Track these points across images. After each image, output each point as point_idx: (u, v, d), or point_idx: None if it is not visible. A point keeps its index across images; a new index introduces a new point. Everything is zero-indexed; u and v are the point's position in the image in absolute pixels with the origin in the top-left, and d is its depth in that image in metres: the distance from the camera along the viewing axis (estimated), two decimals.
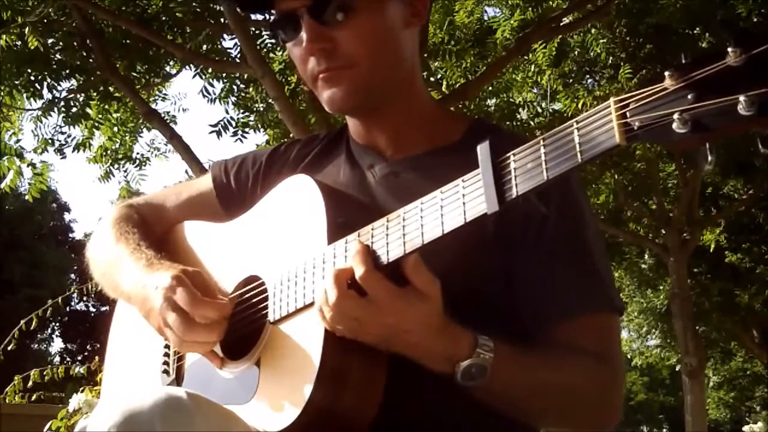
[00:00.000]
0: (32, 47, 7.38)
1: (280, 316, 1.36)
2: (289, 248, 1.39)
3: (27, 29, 7.29)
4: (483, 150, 1.10)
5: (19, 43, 7.52)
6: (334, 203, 1.36)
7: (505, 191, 1.06)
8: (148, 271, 1.48)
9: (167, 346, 1.59)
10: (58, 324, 27.79)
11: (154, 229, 1.70)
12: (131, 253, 1.56)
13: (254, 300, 1.44)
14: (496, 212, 1.07)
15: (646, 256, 15.30)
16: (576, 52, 10.39)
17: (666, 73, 0.86)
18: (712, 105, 0.82)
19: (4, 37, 7.29)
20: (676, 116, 0.85)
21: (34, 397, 4.11)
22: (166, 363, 1.59)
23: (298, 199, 1.42)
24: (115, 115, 8.95)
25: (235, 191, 1.68)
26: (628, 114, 0.91)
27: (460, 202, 1.13)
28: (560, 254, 1.37)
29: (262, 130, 9.18)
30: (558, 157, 1.00)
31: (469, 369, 1.22)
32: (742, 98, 0.80)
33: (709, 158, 0.85)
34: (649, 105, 0.89)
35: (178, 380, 1.56)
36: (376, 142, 1.55)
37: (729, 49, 0.81)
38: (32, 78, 7.63)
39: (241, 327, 1.43)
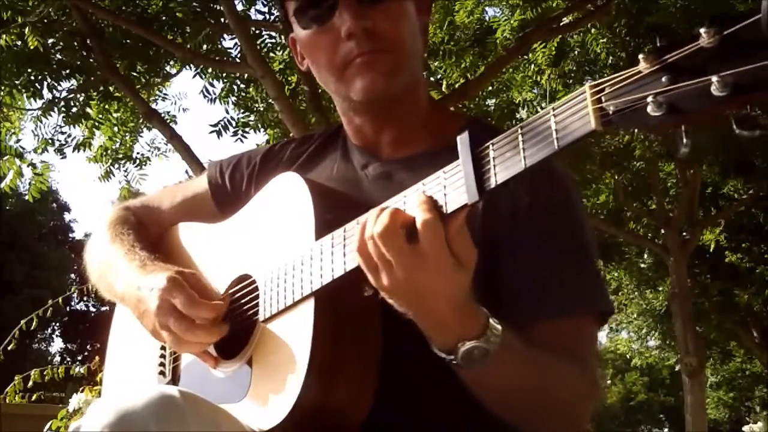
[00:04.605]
0: (32, 47, 7.39)
1: (270, 314, 1.36)
2: (278, 246, 1.39)
3: (27, 29, 7.30)
4: (463, 140, 1.08)
5: (19, 43, 7.53)
6: (322, 200, 1.36)
7: (484, 181, 1.05)
8: (142, 272, 1.48)
9: (163, 347, 1.59)
10: (58, 324, 27.77)
11: (149, 231, 1.70)
12: (125, 255, 1.56)
13: (246, 298, 1.44)
14: (480, 207, 1.06)
15: (646, 256, 15.28)
16: (576, 52, 10.37)
17: (640, 57, 0.86)
18: (685, 87, 0.81)
19: (4, 37, 7.31)
20: (650, 99, 0.84)
21: (34, 397, 4.11)
22: (162, 364, 1.59)
23: (286, 197, 1.42)
24: (115, 115, 8.97)
25: (230, 192, 1.68)
26: (603, 99, 0.90)
27: (441, 193, 1.11)
28: (546, 251, 1.35)
29: (262, 130, 9.21)
30: (535, 145, 0.98)
31: (471, 351, 1.15)
32: (714, 79, 0.79)
33: (685, 141, 0.84)
34: (624, 89, 0.88)
35: (174, 381, 1.56)
36: (377, 141, 1.53)
37: (702, 30, 0.80)
38: (32, 78, 7.64)
39: (234, 326, 1.43)
